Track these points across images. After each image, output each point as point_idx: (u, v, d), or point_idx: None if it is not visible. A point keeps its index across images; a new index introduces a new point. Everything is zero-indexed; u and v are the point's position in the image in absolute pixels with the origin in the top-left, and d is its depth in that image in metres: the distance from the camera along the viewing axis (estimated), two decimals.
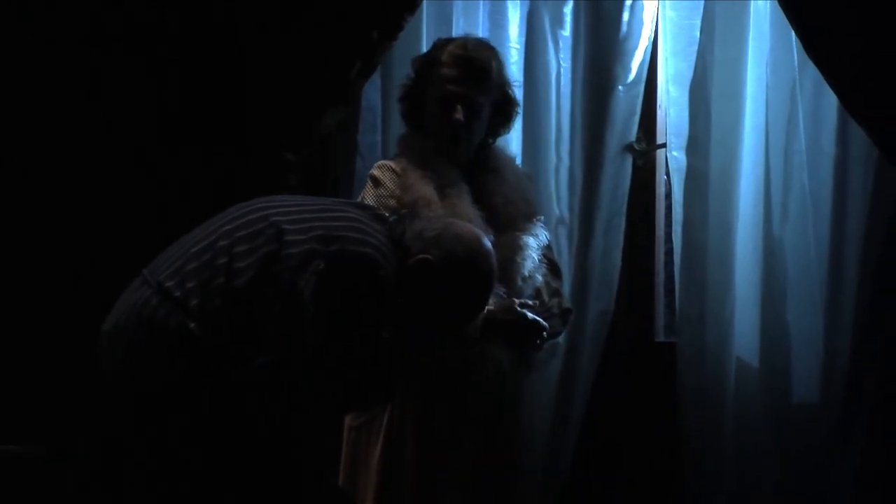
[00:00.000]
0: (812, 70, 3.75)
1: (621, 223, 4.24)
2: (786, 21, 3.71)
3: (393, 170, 3.45)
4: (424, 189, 3.36)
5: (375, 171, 3.48)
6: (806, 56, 3.68)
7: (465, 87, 3.42)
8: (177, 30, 4.01)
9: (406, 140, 3.55)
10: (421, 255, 2.86)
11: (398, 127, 3.80)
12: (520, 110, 3.66)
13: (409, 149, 3.50)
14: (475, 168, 3.50)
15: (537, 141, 4.23)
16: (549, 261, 3.54)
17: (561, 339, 3.94)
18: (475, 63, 3.43)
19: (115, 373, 2.78)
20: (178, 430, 2.72)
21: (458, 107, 3.41)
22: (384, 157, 3.88)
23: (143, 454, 2.76)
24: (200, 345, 2.70)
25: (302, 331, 2.71)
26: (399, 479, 3.31)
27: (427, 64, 3.49)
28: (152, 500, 2.78)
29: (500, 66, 3.54)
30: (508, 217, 3.45)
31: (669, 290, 4.27)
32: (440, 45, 3.52)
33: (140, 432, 2.76)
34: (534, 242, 3.45)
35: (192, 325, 2.69)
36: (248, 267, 2.73)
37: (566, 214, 4.21)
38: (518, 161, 3.97)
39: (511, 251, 3.38)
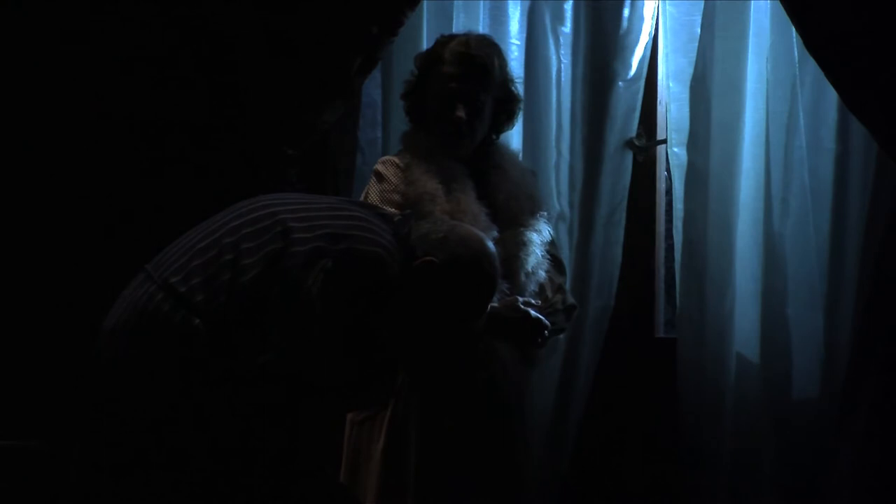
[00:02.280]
0: (812, 66, 3.75)
1: (622, 219, 4.25)
2: (786, 17, 3.71)
3: (397, 165, 3.45)
4: (429, 184, 3.36)
5: (379, 167, 3.48)
6: (806, 52, 3.67)
7: (467, 85, 3.42)
8: (177, 26, 4.01)
9: (409, 136, 3.55)
10: (426, 258, 2.86)
11: (398, 123, 3.81)
12: (521, 106, 3.66)
13: (412, 145, 3.50)
14: (479, 164, 3.51)
15: (538, 137, 4.23)
16: (553, 257, 3.54)
17: (562, 334, 3.95)
18: (477, 60, 3.43)
19: (118, 369, 2.78)
20: (180, 427, 2.72)
21: (460, 104, 3.41)
22: (384, 153, 3.88)
23: (144, 451, 2.76)
24: (205, 341, 2.70)
25: (308, 328, 2.71)
26: (401, 474, 3.31)
27: (429, 61, 3.49)
28: (153, 497, 2.78)
29: (503, 63, 3.54)
30: (512, 213, 3.45)
31: (670, 285, 4.28)
32: (442, 41, 3.52)
33: (141, 428, 2.75)
34: (537, 238, 3.45)
35: (197, 321, 2.69)
36: (255, 264, 2.73)
37: (566, 210, 4.21)
38: (518, 157, 3.97)
39: (515, 247, 3.39)
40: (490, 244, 2.98)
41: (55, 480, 3.73)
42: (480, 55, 3.45)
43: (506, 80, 3.53)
